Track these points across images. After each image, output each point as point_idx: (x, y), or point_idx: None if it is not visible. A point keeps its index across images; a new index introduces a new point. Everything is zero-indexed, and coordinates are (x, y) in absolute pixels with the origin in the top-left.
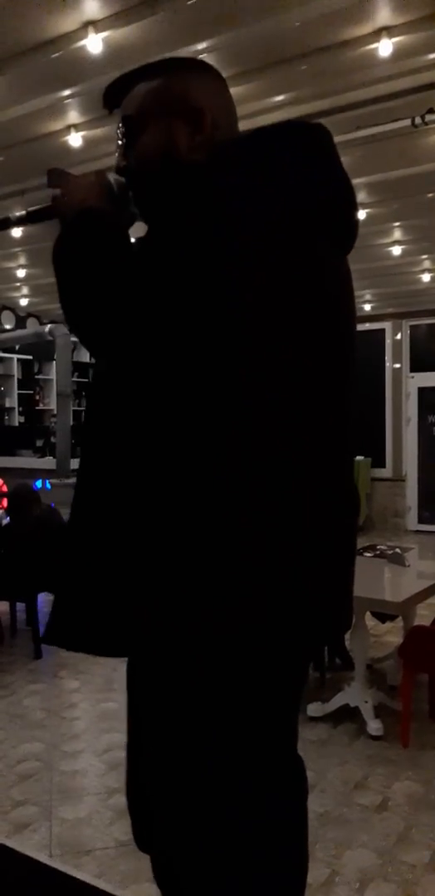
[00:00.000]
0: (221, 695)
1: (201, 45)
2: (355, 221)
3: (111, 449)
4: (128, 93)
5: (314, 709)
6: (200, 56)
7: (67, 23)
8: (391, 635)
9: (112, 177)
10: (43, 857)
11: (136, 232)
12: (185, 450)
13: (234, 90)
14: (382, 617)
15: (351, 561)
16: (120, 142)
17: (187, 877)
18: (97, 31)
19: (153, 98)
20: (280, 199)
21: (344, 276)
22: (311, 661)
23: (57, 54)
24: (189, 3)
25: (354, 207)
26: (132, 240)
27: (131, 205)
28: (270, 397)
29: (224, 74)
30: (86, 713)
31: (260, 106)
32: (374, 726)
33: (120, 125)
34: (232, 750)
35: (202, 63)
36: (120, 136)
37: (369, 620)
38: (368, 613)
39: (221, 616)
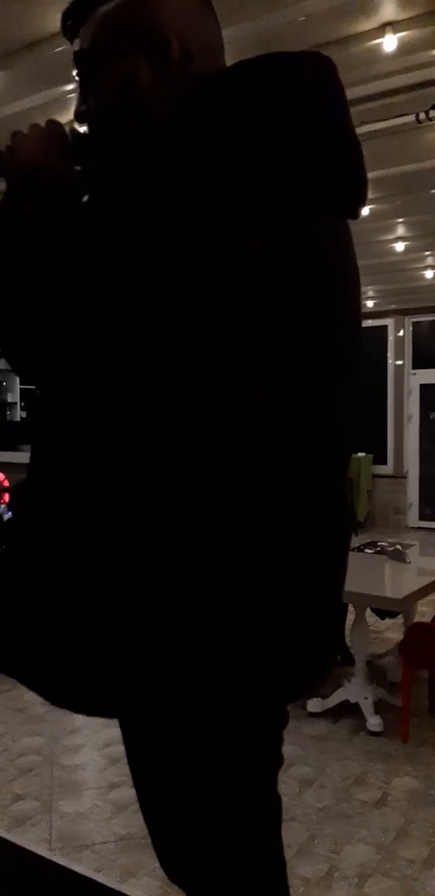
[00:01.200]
0: (213, 703)
1: None
2: (362, 176)
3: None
4: (87, 20)
5: (314, 704)
6: None
7: None
8: (391, 632)
9: (69, 126)
10: (43, 851)
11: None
12: (161, 441)
13: None
14: (383, 613)
15: (341, 578)
16: (78, 81)
17: (190, 868)
18: None
19: (110, 25)
20: (267, 154)
21: (345, 245)
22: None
23: (61, 48)
24: None
25: (359, 160)
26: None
27: (89, 157)
28: (266, 380)
29: None
30: None
31: None
32: (373, 722)
33: (75, 61)
34: (227, 750)
35: None
36: (77, 74)
37: (370, 617)
38: (368, 610)
39: (215, 627)
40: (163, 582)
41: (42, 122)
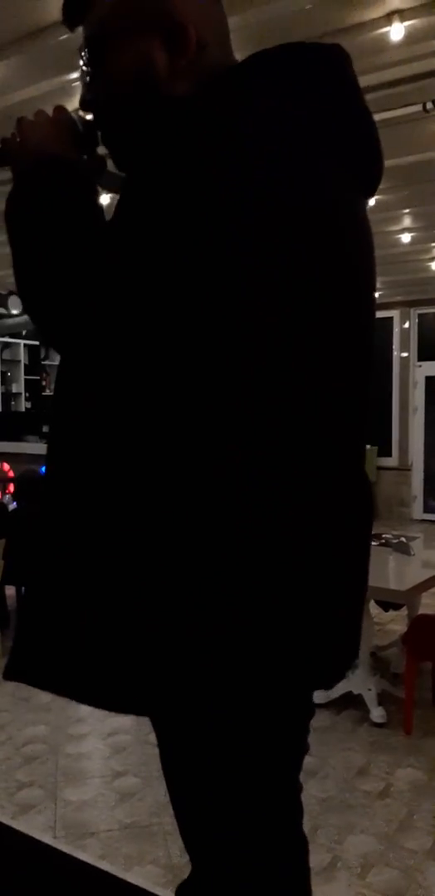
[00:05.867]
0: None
1: None
2: (379, 158)
3: (89, 437)
4: (93, 5)
5: (318, 695)
6: None
7: None
8: (395, 624)
9: (76, 114)
10: (47, 839)
11: (108, 179)
12: (176, 439)
13: None
14: (387, 605)
15: (365, 577)
16: (84, 68)
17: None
18: None
19: (123, 9)
20: (291, 152)
21: (364, 228)
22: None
23: (66, 36)
24: None
25: (375, 142)
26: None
27: (98, 146)
28: (282, 384)
29: None
30: None
31: None
32: (377, 713)
33: (84, 46)
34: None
35: None
36: (84, 61)
37: (374, 609)
38: (372, 602)
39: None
40: (188, 579)
41: (47, 111)
